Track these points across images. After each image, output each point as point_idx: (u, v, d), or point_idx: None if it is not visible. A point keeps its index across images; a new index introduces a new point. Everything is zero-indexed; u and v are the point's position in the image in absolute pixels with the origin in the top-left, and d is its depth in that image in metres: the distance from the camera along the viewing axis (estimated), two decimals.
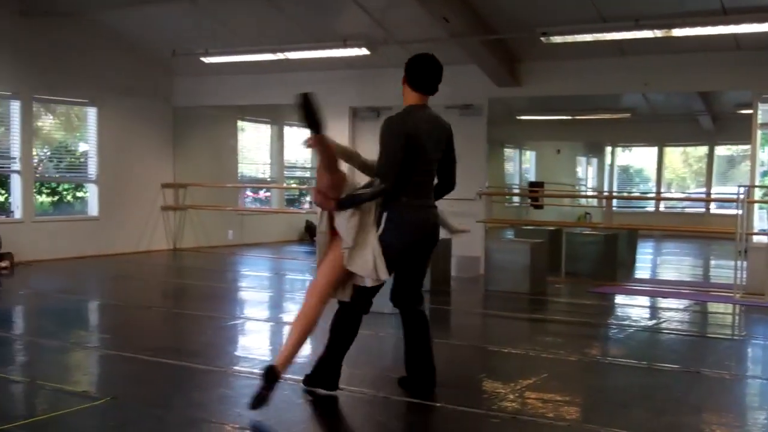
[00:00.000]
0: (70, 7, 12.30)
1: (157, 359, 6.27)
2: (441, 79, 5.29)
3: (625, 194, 21.39)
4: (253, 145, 18.01)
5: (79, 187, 14.26)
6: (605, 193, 20.00)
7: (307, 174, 19.09)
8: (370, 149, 13.82)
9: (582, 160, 22.46)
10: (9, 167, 12.65)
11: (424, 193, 5.15)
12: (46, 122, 13.61)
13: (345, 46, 11.77)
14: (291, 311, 8.82)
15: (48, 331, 7.69)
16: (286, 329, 7.98)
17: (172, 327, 8.30)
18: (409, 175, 4.97)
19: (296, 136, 17.43)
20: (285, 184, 18.48)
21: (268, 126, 17.73)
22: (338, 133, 12.93)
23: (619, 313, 9.63)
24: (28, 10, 12.25)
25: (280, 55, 12.45)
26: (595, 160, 22.39)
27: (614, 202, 18.68)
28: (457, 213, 12.39)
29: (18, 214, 12.70)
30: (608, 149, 21.05)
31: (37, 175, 13.20)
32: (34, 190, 13.04)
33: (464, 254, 11.63)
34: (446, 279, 10.50)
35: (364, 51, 11.82)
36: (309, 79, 13.01)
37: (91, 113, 13.78)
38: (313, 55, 12.36)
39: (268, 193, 18.70)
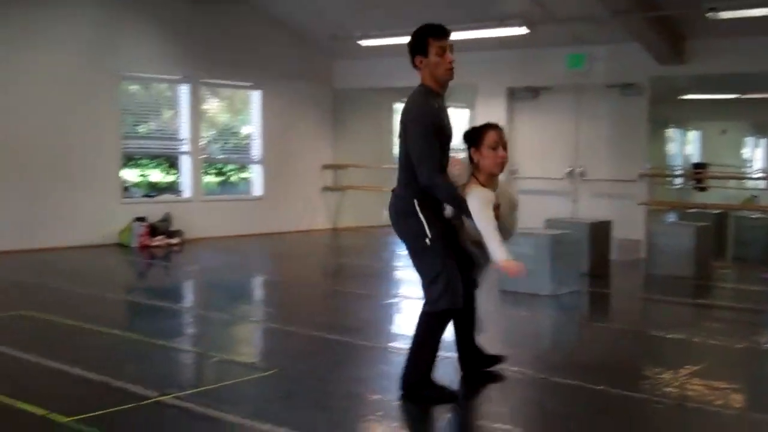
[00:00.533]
0: None
1: (319, 334, 6.46)
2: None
3: None
4: None
5: (243, 167, 14.80)
6: None
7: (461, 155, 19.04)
8: (527, 131, 13.62)
9: (749, 140, 21.48)
10: (178, 149, 13.27)
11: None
12: (212, 105, 14.16)
13: (503, 25, 11.67)
14: None
15: (215, 304, 8.06)
16: None
17: (332, 304, 8.52)
18: None
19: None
20: None
21: None
22: (494, 114, 12.90)
23: None
24: None
25: None
26: (764, 141, 21.36)
27: None
28: (618, 194, 12.20)
29: (187, 193, 13.32)
30: None
31: (204, 156, 13.79)
32: (202, 171, 13.63)
33: (624, 237, 11.36)
34: (605, 262, 10.28)
35: (522, 30, 11.67)
36: (466, 59, 12.92)
37: (256, 96, 14.26)
38: (471, 36, 12.30)
39: None
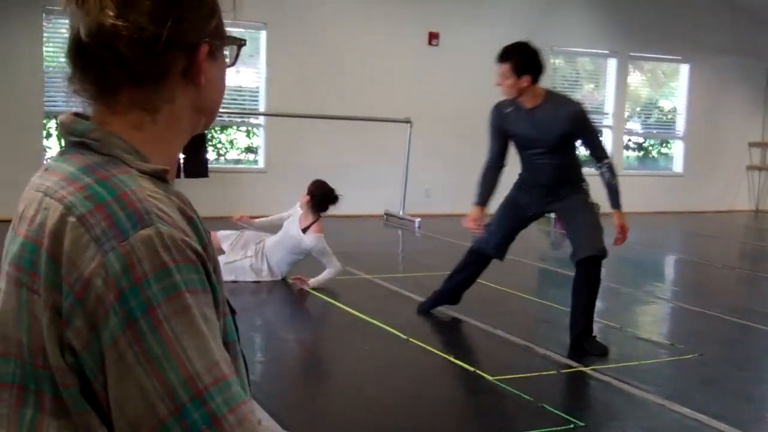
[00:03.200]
0: None
1: (737, 320, 6.26)
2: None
3: None
4: None
5: (665, 143, 14.51)
6: None
7: None
8: None
9: None
10: (601, 122, 13.38)
11: None
12: (636, 79, 14.03)
13: None
14: None
15: (629, 280, 8.09)
16: None
17: (750, 289, 8.17)
18: None
19: None
20: None
21: None
22: None
23: None
24: None
25: None
26: None
27: None
28: None
29: None
30: None
31: (626, 130, 13.74)
32: (623, 145, 13.61)
33: None
34: None
35: None
36: None
37: (683, 70, 13.88)
38: None
39: None
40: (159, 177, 1.08)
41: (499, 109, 5.48)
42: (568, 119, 5.11)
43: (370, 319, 5.77)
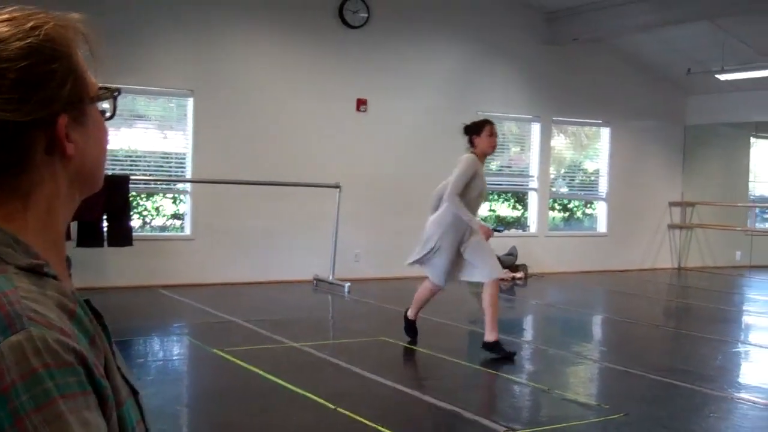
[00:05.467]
0: (593, 35, 12.95)
1: (662, 378, 6.36)
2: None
3: None
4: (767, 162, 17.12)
5: (588, 203, 14.84)
6: None
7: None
8: None
9: None
10: (527, 185, 13.64)
11: None
12: (559, 142, 14.37)
13: None
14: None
15: (556, 340, 8.20)
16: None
17: (675, 347, 8.33)
18: None
19: None
20: None
21: None
22: None
23: None
24: (554, 39, 13.11)
25: None
26: None
27: None
28: None
29: (533, 228, 13.63)
30: None
31: (555, 190, 14.08)
32: (549, 207, 13.89)
33: None
34: None
35: None
36: None
37: (604, 133, 14.28)
38: None
39: None
40: (36, 272, 1.04)
41: None
42: None
43: (296, 389, 5.72)
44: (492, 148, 7.23)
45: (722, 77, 12.92)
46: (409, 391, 5.77)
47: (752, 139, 16.12)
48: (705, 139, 15.14)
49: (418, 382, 5.96)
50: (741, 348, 8.18)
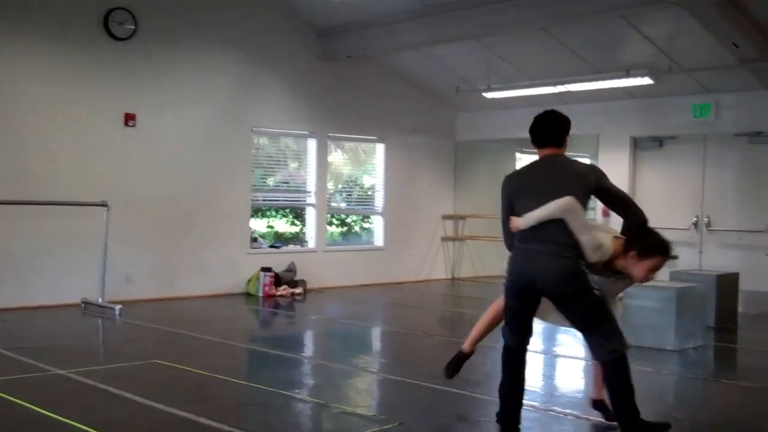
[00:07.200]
0: (366, 52, 13.15)
1: (438, 387, 6.47)
2: (551, 132, 5.14)
3: None
4: None
5: (366, 218, 15.04)
6: None
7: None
8: (651, 180, 13.39)
9: None
10: (305, 200, 13.61)
11: (531, 237, 4.89)
12: (337, 158, 14.48)
13: (628, 75, 11.55)
14: (565, 344, 8.78)
15: (335, 355, 8.18)
16: (563, 363, 7.96)
17: (450, 355, 8.48)
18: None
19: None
20: None
21: None
22: (618, 164, 12.77)
23: None
24: (328, 55, 13.20)
25: (560, 88, 12.49)
26: None
27: None
28: (745, 245, 11.82)
29: (312, 244, 13.62)
30: None
31: (333, 205, 14.18)
32: (327, 222, 13.94)
33: (752, 289, 10.99)
34: (732, 316, 10.01)
35: (647, 80, 11.53)
36: (589, 110, 12.94)
37: (379, 149, 14.53)
38: (595, 87, 12.25)
39: None
40: None
41: None
42: None
43: (62, 419, 5.32)
44: None
45: (488, 95, 13.48)
46: (183, 414, 5.52)
47: (518, 155, 16.92)
48: (475, 154, 15.78)
49: (192, 405, 5.70)
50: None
